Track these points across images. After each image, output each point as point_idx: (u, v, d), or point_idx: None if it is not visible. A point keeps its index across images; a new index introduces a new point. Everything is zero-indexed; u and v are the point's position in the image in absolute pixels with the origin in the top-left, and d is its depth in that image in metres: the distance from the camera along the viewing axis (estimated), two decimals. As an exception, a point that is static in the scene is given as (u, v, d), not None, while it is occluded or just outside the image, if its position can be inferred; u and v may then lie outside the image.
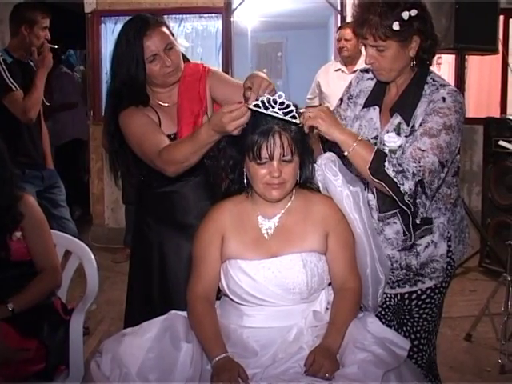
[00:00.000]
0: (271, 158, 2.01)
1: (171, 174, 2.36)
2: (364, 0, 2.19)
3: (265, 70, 10.38)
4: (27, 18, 4.04)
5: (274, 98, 1.98)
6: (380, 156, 2.05)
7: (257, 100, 2.00)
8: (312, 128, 2.06)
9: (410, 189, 2.01)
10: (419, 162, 2.04)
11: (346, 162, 2.24)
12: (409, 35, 2.15)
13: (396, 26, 2.11)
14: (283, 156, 2.01)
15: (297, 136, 2.04)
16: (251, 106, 2.00)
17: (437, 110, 2.14)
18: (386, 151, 2.17)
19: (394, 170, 2.02)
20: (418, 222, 2.05)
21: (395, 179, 2.01)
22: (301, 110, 2.04)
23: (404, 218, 2.08)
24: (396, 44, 2.15)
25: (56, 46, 4.12)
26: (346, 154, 2.07)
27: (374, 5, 2.14)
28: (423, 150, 2.07)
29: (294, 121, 2.01)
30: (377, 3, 2.14)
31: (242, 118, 2.01)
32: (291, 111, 2.00)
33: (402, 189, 2.01)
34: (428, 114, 2.15)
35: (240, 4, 6.53)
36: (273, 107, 1.98)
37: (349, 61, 5.31)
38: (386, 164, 2.02)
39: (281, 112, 1.98)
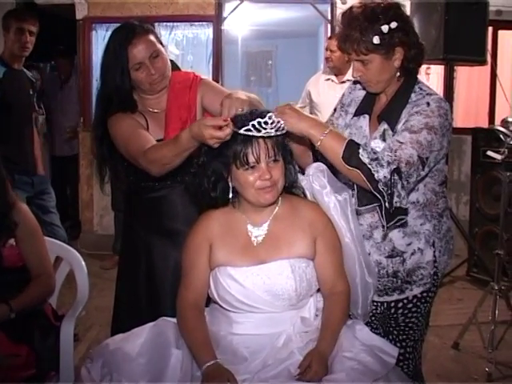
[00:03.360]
0: (258, 162, 2.02)
1: (156, 174, 2.37)
2: (345, 16, 2.22)
3: (252, 79, 10.44)
4: (3, 25, 4.06)
5: (264, 120, 1.99)
6: (353, 144, 2.06)
7: (247, 125, 2.00)
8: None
9: (385, 177, 2.01)
10: (395, 152, 2.05)
11: (335, 171, 2.26)
12: (391, 47, 2.18)
13: (376, 39, 2.14)
14: (269, 157, 2.03)
15: (278, 138, 2.07)
16: (242, 132, 2.00)
17: (420, 111, 2.17)
18: None
19: (368, 157, 2.02)
20: (391, 210, 2.03)
21: (370, 166, 2.02)
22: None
23: (381, 210, 2.07)
24: (379, 57, 2.18)
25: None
26: (316, 146, 2.08)
27: (355, 21, 2.17)
28: (402, 143, 2.09)
29: (283, 132, 2.06)
30: (357, 19, 2.16)
31: (224, 137, 2.03)
32: (281, 125, 2.03)
33: (376, 176, 2.01)
34: (411, 115, 2.18)
35: (231, 12, 6.55)
36: (265, 128, 2.00)
37: (336, 71, 5.30)
38: (361, 151, 2.03)
39: (273, 130, 2.01)
